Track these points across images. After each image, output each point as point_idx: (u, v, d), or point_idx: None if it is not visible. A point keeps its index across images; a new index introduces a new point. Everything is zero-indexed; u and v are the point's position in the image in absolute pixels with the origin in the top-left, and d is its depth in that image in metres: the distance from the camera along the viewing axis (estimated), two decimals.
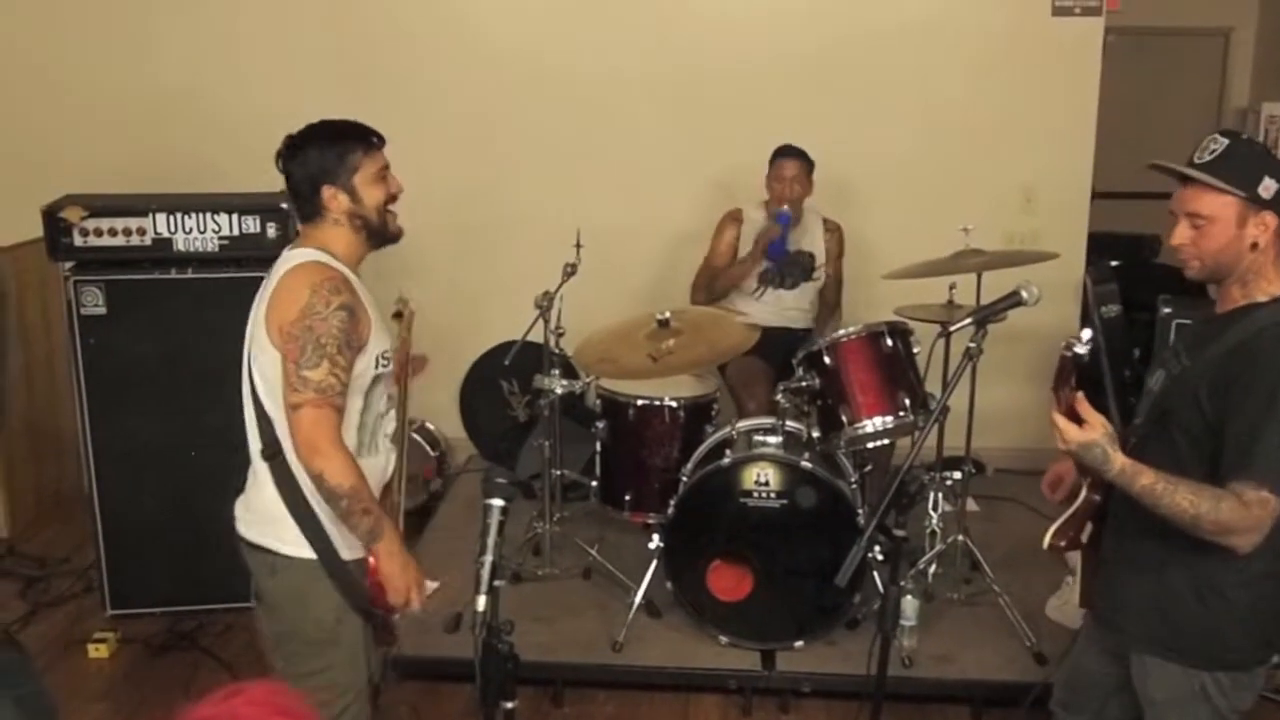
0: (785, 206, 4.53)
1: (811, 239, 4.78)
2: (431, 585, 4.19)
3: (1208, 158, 2.30)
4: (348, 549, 2.55)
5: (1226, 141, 2.30)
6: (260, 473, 2.56)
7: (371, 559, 2.54)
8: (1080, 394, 2.29)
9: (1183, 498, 2.18)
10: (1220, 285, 2.39)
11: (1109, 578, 2.54)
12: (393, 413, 2.69)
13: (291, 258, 2.57)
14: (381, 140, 2.69)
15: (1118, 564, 2.51)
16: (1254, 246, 2.29)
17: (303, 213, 2.64)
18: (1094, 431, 2.23)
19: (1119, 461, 2.22)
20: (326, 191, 2.57)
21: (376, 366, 2.56)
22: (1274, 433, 2.17)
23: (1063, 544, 2.55)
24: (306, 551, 2.53)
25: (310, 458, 2.43)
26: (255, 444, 2.56)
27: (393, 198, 2.71)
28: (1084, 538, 2.55)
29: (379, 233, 2.68)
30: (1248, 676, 2.41)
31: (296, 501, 2.51)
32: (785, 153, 4.66)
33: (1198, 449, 2.28)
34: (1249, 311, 2.32)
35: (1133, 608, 2.47)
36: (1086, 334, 2.33)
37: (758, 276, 4.69)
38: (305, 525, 2.51)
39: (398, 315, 3.06)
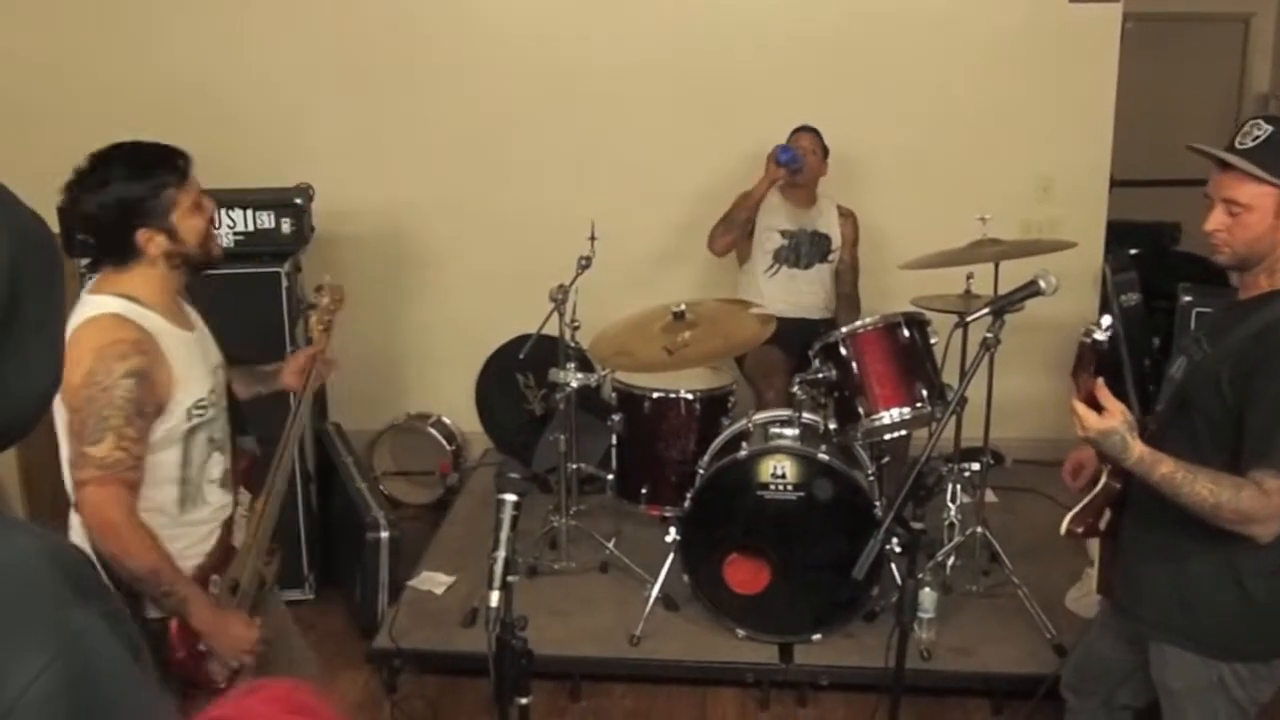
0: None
1: (827, 222, 4.79)
2: (445, 578, 4.22)
3: (1250, 144, 2.24)
4: (154, 608, 2.35)
5: (1270, 129, 2.24)
6: (74, 522, 2.34)
7: (174, 625, 2.34)
8: (1100, 381, 2.27)
9: (1203, 486, 2.15)
10: (1246, 272, 2.36)
11: (1128, 566, 2.52)
12: (218, 455, 2.49)
13: (87, 306, 2.30)
14: (189, 162, 2.39)
15: (1137, 552, 2.49)
16: None
17: (109, 255, 2.34)
18: (1113, 419, 2.20)
19: (1138, 450, 2.20)
20: (142, 235, 2.30)
21: (190, 419, 2.36)
22: None
23: (1080, 530, 2.53)
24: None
25: (102, 539, 2.23)
26: (72, 492, 2.34)
27: (211, 222, 2.44)
28: (1102, 524, 2.53)
29: (201, 264, 2.43)
30: (1267, 668, 2.39)
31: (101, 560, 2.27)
32: (801, 130, 4.71)
33: (1217, 436, 2.26)
34: (1272, 298, 2.28)
35: (1152, 596, 2.45)
36: (1106, 321, 2.31)
37: (773, 254, 4.69)
38: (114, 580, 2.27)
39: (311, 307, 2.86)
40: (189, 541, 2.42)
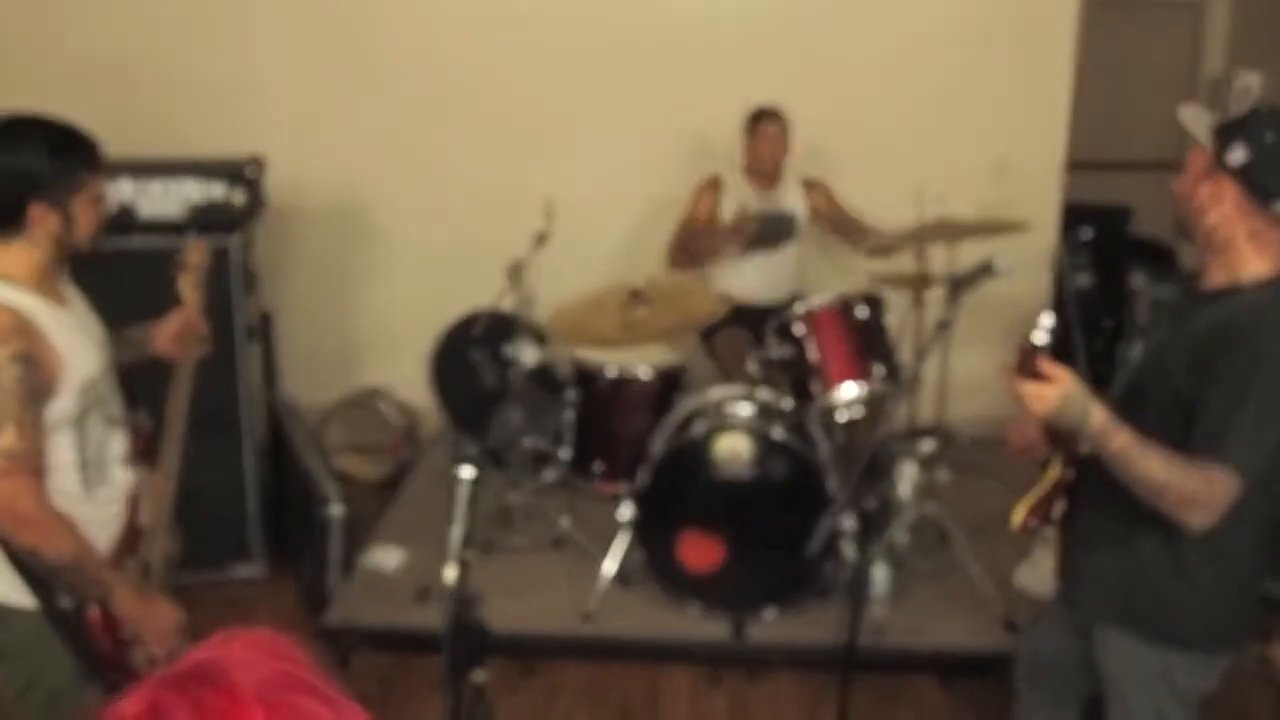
0: None
1: (792, 200, 4.78)
2: (397, 554, 4.20)
3: (1234, 115, 2.25)
4: (68, 597, 2.28)
5: (1257, 109, 2.25)
6: None
7: (95, 614, 2.28)
8: (1040, 355, 2.23)
9: (1156, 463, 2.14)
10: (1197, 248, 2.35)
11: (1077, 552, 2.53)
12: (117, 432, 2.42)
13: None
14: (103, 158, 2.32)
15: (1087, 538, 2.49)
16: (1200, 211, 2.24)
17: None
18: (1066, 384, 2.15)
19: (1099, 415, 2.15)
20: (36, 208, 2.21)
21: (82, 399, 2.28)
22: (1245, 416, 2.13)
23: (1035, 523, 2.52)
24: (30, 601, 2.26)
25: (17, 532, 2.16)
26: None
27: (105, 223, 2.36)
28: (1055, 514, 2.53)
29: (78, 254, 2.36)
30: (1209, 659, 2.40)
31: (12, 551, 2.22)
32: (765, 116, 4.64)
33: (1166, 423, 2.24)
34: (1231, 294, 2.26)
35: (1099, 582, 2.45)
36: (1048, 321, 2.26)
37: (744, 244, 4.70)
38: (24, 574, 2.24)
39: (180, 268, 2.71)
40: (99, 524, 2.34)
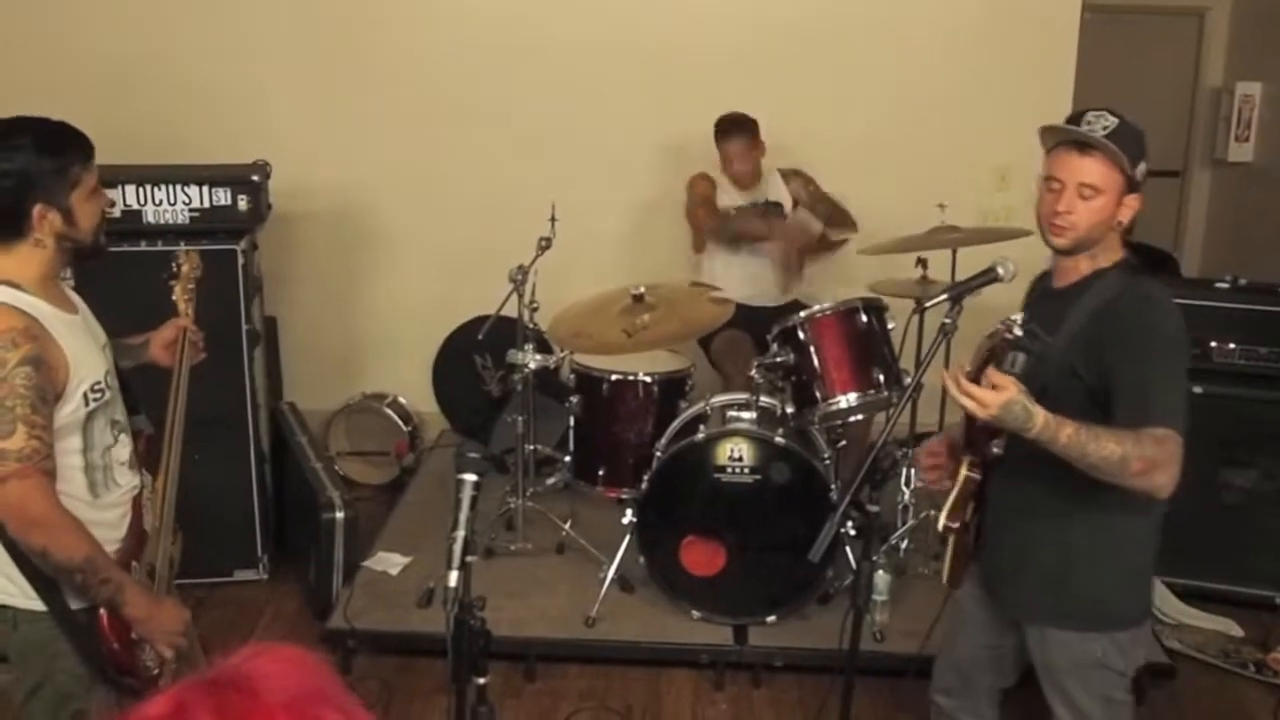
0: None
1: (776, 191, 4.82)
2: (400, 559, 4.21)
3: (1101, 132, 2.34)
4: (77, 599, 2.29)
5: (1117, 120, 2.35)
6: None
7: (104, 616, 2.29)
8: (989, 365, 2.26)
9: (1108, 441, 2.17)
10: (1071, 257, 2.44)
11: (1000, 553, 2.57)
12: (123, 437, 2.43)
13: None
14: (93, 148, 2.33)
15: (1011, 539, 2.53)
16: (1118, 225, 2.38)
17: None
18: (1009, 391, 2.17)
19: (1041, 416, 2.18)
20: (38, 211, 2.22)
21: (88, 403, 2.28)
22: (1162, 379, 2.25)
23: (956, 525, 2.53)
24: (40, 604, 2.27)
25: (28, 533, 2.17)
26: None
27: (105, 216, 2.38)
28: (968, 517, 2.54)
29: (89, 255, 2.37)
30: (1140, 630, 2.53)
31: (20, 553, 2.23)
32: (731, 131, 4.65)
33: (1087, 419, 2.25)
34: (1096, 279, 2.39)
35: (1029, 579, 2.52)
36: (1017, 316, 2.30)
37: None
38: (32, 576, 2.24)
39: (173, 277, 2.72)
40: (106, 528, 2.35)
